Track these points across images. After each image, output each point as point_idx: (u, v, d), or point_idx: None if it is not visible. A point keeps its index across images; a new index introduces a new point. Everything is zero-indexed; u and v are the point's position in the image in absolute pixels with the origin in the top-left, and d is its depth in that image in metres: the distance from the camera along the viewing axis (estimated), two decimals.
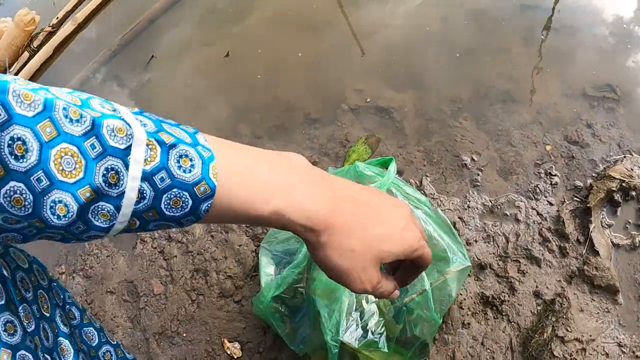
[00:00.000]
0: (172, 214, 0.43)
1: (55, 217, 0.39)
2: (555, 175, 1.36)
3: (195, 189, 0.43)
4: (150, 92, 1.82)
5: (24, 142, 0.37)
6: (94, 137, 0.39)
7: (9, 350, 0.48)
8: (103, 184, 0.39)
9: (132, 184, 0.40)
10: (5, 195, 0.37)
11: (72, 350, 0.65)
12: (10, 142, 0.36)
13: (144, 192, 0.41)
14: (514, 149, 1.41)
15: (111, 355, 0.74)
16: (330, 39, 1.77)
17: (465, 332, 1.22)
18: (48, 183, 0.38)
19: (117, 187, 0.40)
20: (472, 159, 1.41)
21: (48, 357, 0.58)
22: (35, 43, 1.99)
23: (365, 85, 1.59)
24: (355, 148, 1.45)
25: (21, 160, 0.37)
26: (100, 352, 0.71)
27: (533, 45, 1.60)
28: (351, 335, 1.01)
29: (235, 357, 1.27)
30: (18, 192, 0.37)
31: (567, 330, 1.19)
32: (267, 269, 1.19)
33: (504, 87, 1.51)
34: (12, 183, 0.37)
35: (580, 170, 1.36)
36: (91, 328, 0.71)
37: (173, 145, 0.43)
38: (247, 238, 1.40)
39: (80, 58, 1.97)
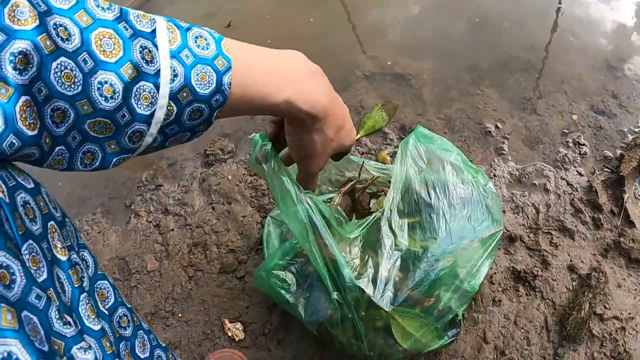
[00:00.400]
0: (202, 91, 0.45)
1: (103, 98, 0.40)
2: (583, 144, 1.24)
3: (215, 63, 0.46)
4: None
5: (65, 28, 0.38)
6: (124, 21, 0.42)
7: (12, 309, 0.33)
8: (141, 60, 0.41)
9: (164, 62, 0.43)
10: (57, 70, 0.38)
11: (95, 310, 0.45)
12: (54, 26, 0.38)
13: (175, 69, 0.43)
14: (539, 118, 1.29)
15: (128, 320, 0.54)
16: (342, 4, 1.64)
17: (496, 310, 1.07)
18: (93, 64, 0.39)
19: (153, 64, 0.42)
20: (497, 127, 1.28)
21: (69, 318, 0.40)
22: None
23: (380, 52, 1.46)
24: (370, 115, 1.31)
25: (67, 42, 0.38)
26: (115, 316, 0.52)
27: (553, 16, 1.49)
28: (384, 299, 0.86)
29: (237, 339, 1.10)
30: (68, 67, 0.38)
31: (606, 308, 1.05)
32: (275, 241, 1.04)
33: (525, 56, 1.39)
34: (62, 58, 0.38)
35: (608, 140, 1.24)
36: (106, 282, 0.52)
37: (189, 28, 0.47)
38: (252, 209, 1.23)
39: None
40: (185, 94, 0.45)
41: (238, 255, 1.18)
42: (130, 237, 1.26)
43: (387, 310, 0.83)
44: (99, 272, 0.52)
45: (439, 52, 1.45)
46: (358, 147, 1.28)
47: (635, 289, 1.07)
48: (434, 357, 1.04)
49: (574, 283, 1.09)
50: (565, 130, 1.26)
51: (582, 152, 1.23)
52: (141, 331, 0.58)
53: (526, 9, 1.52)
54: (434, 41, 1.48)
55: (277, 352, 1.07)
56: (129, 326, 0.55)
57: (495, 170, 1.21)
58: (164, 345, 0.64)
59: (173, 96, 0.44)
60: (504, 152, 1.24)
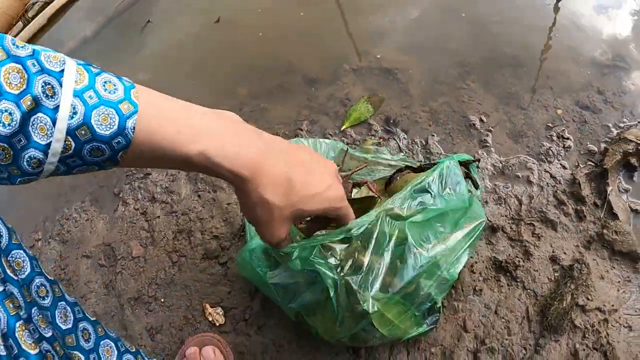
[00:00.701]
0: (102, 132, 0.46)
1: (1, 124, 0.42)
2: (568, 138, 1.22)
3: (120, 106, 0.47)
4: (145, 56, 1.65)
5: None
6: (34, 59, 0.45)
7: None
8: (41, 94, 0.44)
9: (65, 99, 0.44)
10: None
11: (2, 275, 0.48)
12: None
13: (76, 107, 0.45)
14: (523, 112, 1.27)
15: (47, 291, 0.55)
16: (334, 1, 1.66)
17: (477, 300, 1.05)
18: None
19: (53, 99, 0.44)
20: (481, 120, 1.27)
21: None
22: (31, 14, 1.83)
23: (369, 47, 1.45)
24: (356, 107, 1.31)
25: None
26: (32, 285, 0.53)
27: (543, 14, 1.49)
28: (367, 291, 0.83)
29: (218, 324, 1.09)
30: None
31: (588, 299, 1.03)
32: None
33: (513, 52, 1.38)
34: None
35: (593, 135, 1.23)
36: (21, 252, 0.53)
37: (98, 73, 0.48)
38: (236, 197, 1.23)
39: (76, 25, 1.81)
40: (83, 132, 0.46)
41: (221, 241, 1.17)
42: (117, 224, 1.25)
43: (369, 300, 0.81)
44: (13, 242, 0.53)
45: (427, 46, 1.44)
46: (343, 138, 1.28)
47: (619, 281, 1.05)
48: (414, 345, 1.02)
49: (556, 274, 1.06)
50: (550, 124, 1.25)
51: (566, 146, 1.21)
52: (63, 302, 0.57)
53: (517, 6, 1.52)
54: (423, 36, 1.47)
55: (256, 337, 1.05)
56: (47, 296, 0.54)
57: (478, 162, 1.20)
58: (92, 319, 0.63)
59: (71, 132, 0.45)
60: (487, 144, 1.23)
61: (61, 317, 0.56)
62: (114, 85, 0.48)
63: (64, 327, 0.56)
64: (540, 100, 1.29)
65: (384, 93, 1.34)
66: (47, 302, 0.54)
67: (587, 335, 0.99)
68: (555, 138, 1.22)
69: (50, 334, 0.52)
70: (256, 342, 1.05)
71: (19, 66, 0.43)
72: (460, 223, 0.93)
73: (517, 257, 1.08)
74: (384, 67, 1.40)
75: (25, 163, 0.45)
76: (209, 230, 1.18)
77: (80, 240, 1.26)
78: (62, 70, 0.46)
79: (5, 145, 0.44)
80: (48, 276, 0.57)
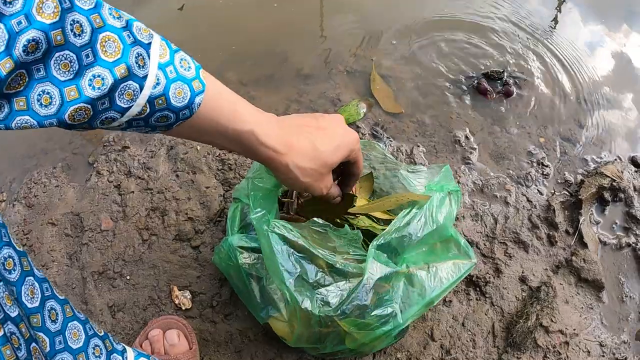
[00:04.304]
0: (175, 103, 0.53)
1: (91, 87, 0.46)
2: (547, 166, 1.26)
3: (192, 84, 0.54)
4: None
5: (80, 25, 0.45)
6: (127, 31, 0.49)
7: None
8: (134, 64, 0.49)
9: (152, 70, 0.50)
10: (57, 59, 0.44)
11: None
12: (72, 22, 0.44)
13: (159, 78, 0.51)
14: (508, 135, 1.31)
15: (14, 264, 0.51)
16: None
17: (446, 310, 1.06)
18: (92, 59, 0.46)
19: (143, 69, 0.50)
20: (466, 137, 1.29)
21: None
22: None
23: (364, 51, 1.47)
24: (346, 108, 1.31)
25: (78, 37, 0.45)
26: None
27: (533, 44, 1.54)
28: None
29: (184, 307, 1.06)
30: (68, 59, 0.45)
31: (552, 321, 1.06)
32: (236, 228, 0.97)
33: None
34: (66, 51, 0.44)
35: (571, 166, 1.27)
36: None
37: (177, 50, 0.55)
38: (216, 181, 1.20)
39: None
40: (160, 101, 0.52)
41: (196, 224, 1.14)
42: (88, 194, 1.21)
43: (346, 327, 0.79)
44: None
45: (422, 59, 1.46)
46: None
47: (582, 307, 1.08)
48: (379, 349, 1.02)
49: (524, 294, 1.09)
50: (532, 151, 1.28)
51: (544, 173, 1.25)
52: (31, 277, 0.54)
53: (515, 30, 1.56)
54: (421, 47, 1.50)
55: (222, 325, 1.03)
56: (14, 270, 0.51)
57: (459, 177, 1.22)
58: (62, 297, 0.60)
59: (150, 100, 0.51)
60: (470, 162, 1.25)
61: (28, 294, 0.52)
62: (188, 63, 0.55)
63: (30, 306, 0.52)
64: (525, 127, 1.33)
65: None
66: (13, 276, 0.50)
67: (548, 355, 1.01)
68: (535, 164, 1.26)
69: (16, 313, 0.48)
70: (222, 331, 1.03)
71: (115, 36, 0.47)
72: (450, 255, 0.92)
73: (487, 273, 1.10)
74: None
75: (98, 122, 0.50)
76: (184, 212, 1.15)
77: (47, 207, 1.21)
78: (150, 43, 0.51)
79: (89, 106, 0.47)
80: (17, 247, 0.52)
